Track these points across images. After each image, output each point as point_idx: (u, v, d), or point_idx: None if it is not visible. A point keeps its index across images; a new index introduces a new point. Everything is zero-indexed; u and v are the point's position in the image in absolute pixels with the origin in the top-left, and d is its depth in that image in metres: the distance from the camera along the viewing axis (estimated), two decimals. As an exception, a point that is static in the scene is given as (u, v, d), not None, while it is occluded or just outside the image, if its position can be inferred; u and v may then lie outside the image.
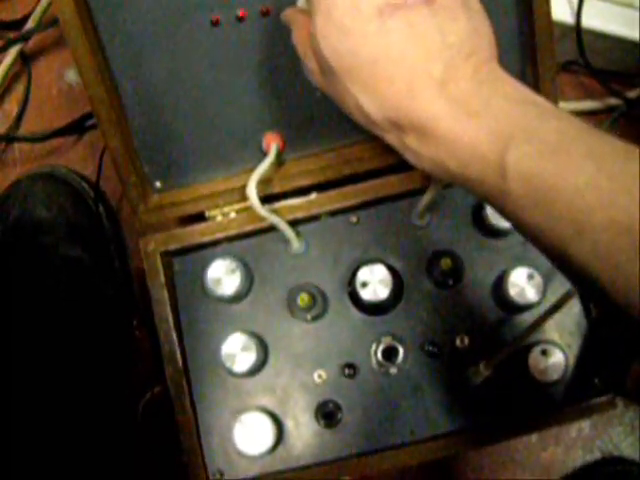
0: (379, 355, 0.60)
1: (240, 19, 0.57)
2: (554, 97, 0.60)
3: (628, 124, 0.74)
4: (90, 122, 0.76)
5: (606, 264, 0.33)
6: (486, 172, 0.38)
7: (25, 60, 0.80)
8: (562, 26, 0.67)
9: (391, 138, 0.43)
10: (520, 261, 0.60)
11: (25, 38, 0.78)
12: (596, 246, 0.33)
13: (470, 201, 0.62)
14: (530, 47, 0.59)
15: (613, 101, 0.73)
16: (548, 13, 0.57)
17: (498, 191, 0.37)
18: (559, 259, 0.37)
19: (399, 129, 0.42)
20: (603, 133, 0.37)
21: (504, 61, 0.58)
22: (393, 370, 0.60)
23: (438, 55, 0.41)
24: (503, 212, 0.39)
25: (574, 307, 0.61)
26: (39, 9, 0.78)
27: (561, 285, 0.60)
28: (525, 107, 0.39)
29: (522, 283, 0.59)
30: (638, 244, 0.32)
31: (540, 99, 0.40)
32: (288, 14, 0.53)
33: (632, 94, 0.72)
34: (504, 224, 0.60)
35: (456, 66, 0.40)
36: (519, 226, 0.38)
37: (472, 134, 0.38)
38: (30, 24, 0.78)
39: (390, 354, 0.60)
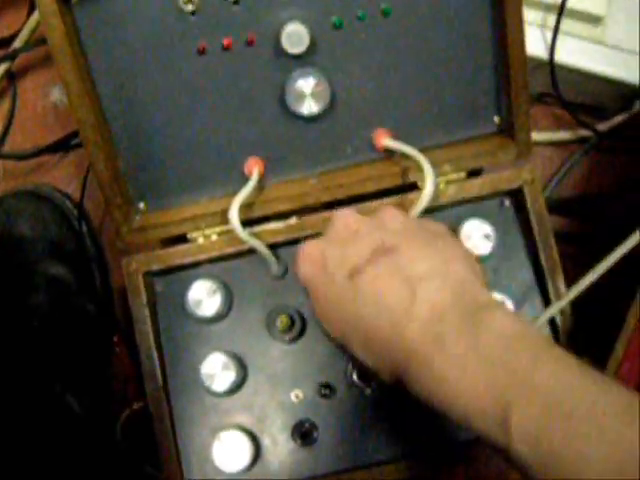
0: (354, 376, 0.61)
1: (225, 48, 0.59)
2: (527, 129, 0.63)
3: (599, 155, 0.76)
4: (75, 141, 0.76)
5: None
6: (489, 428, 0.38)
7: (11, 78, 0.81)
8: (536, 60, 0.69)
9: (393, 381, 0.46)
10: (491, 287, 0.62)
11: (12, 57, 0.79)
12: None
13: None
14: (505, 81, 0.61)
15: (585, 132, 0.75)
16: (522, 50, 0.59)
17: (503, 445, 0.38)
18: None
19: (397, 376, 0.44)
20: (593, 373, 0.38)
21: (480, 95, 0.61)
22: (368, 391, 0.62)
23: (409, 297, 0.43)
24: (508, 461, 0.39)
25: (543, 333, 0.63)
26: (27, 28, 0.79)
27: (531, 312, 0.62)
28: (517, 349, 0.40)
29: (494, 309, 0.61)
30: None
31: (529, 331, 0.41)
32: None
33: (603, 126, 0.74)
34: (476, 251, 0.62)
35: (431, 301, 0.43)
36: (524, 475, 0.38)
37: (468, 385, 0.39)
38: (17, 43, 0.79)
39: (366, 375, 0.62)
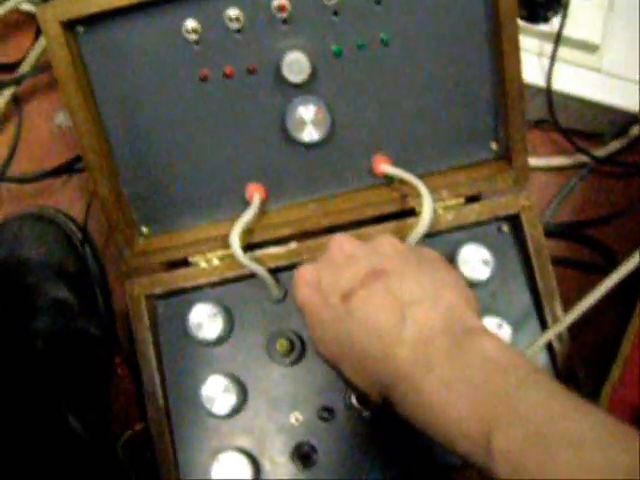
0: (353, 399, 0.62)
1: (227, 76, 0.60)
2: (524, 155, 0.64)
3: (596, 180, 0.77)
4: (79, 165, 0.77)
5: None
6: (473, 450, 0.39)
7: (17, 102, 0.82)
8: (534, 87, 0.70)
9: (381, 402, 0.47)
10: (489, 312, 0.63)
11: (18, 82, 0.80)
12: None
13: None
14: (502, 108, 0.62)
15: (582, 158, 0.76)
16: (519, 78, 0.60)
17: (485, 467, 0.39)
18: None
19: (385, 398, 0.45)
20: (576, 400, 0.39)
21: (478, 121, 0.62)
22: (367, 414, 0.62)
23: (399, 320, 0.44)
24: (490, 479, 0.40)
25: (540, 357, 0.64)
26: (33, 53, 0.80)
27: (529, 336, 0.63)
28: (502, 374, 0.41)
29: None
30: None
31: (515, 357, 0.42)
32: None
33: (599, 152, 0.75)
34: (474, 276, 0.62)
35: (420, 326, 0.44)
36: None
37: (453, 407, 0.40)
38: (24, 68, 0.81)
39: (364, 399, 0.62)
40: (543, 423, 0.38)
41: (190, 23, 0.58)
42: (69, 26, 0.57)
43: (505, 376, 0.40)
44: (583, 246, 0.75)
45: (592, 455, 0.35)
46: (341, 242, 0.52)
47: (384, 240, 0.51)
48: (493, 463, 0.38)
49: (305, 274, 0.51)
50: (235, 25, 0.58)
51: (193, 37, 0.58)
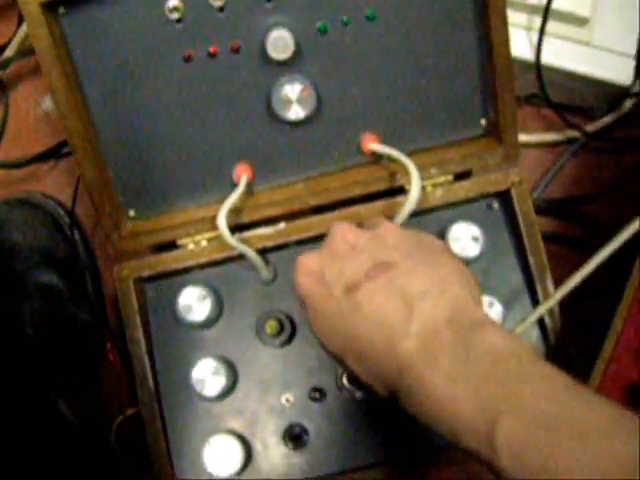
0: (345, 380, 0.62)
1: (212, 55, 0.59)
2: (514, 131, 0.63)
3: (587, 155, 0.76)
4: (66, 149, 0.77)
5: None
6: (477, 444, 0.39)
7: (2, 87, 0.82)
8: (523, 62, 0.69)
9: (387, 396, 0.46)
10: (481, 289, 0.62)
11: (3, 66, 0.79)
12: None
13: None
14: (491, 83, 0.62)
15: (573, 133, 0.75)
16: (507, 52, 0.59)
17: (489, 460, 0.38)
18: None
19: (391, 391, 0.45)
20: (580, 389, 0.38)
21: (467, 98, 0.62)
22: (358, 395, 0.62)
23: (406, 313, 0.44)
24: (496, 476, 0.39)
25: (532, 334, 0.63)
26: (17, 38, 0.79)
27: (520, 314, 0.63)
28: (507, 366, 0.40)
29: (482, 311, 0.61)
30: None
31: (520, 348, 0.41)
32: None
33: (591, 127, 0.75)
34: (465, 253, 0.62)
35: (426, 318, 0.43)
36: None
37: (458, 400, 0.40)
38: (8, 52, 0.80)
39: (356, 379, 0.62)
40: (547, 413, 0.37)
41: (172, 1, 0.57)
42: (50, 7, 0.56)
43: (509, 366, 0.40)
44: (574, 222, 0.74)
45: (597, 444, 0.35)
46: (344, 231, 0.51)
47: (387, 229, 0.50)
48: (496, 454, 0.37)
49: (307, 264, 0.51)
50: (218, 3, 0.57)
51: (175, 15, 0.57)
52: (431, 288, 0.45)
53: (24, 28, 0.79)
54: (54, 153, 0.78)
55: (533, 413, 0.37)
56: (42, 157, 0.78)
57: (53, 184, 0.79)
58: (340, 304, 0.47)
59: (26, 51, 0.79)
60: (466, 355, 0.41)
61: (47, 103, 0.81)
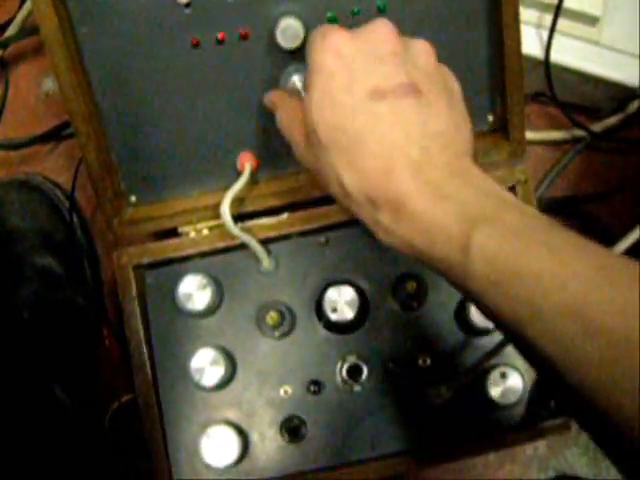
0: (344, 373, 0.62)
1: (220, 41, 0.59)
2: (521, 128, 0.62)
3: (591, 155, 0.76)
4: (67, 131, 0.76)
5: (559, 347, 0.35)
6: (451, 251, 0.40)
7: (3, 66, 0.81)
8: (532, 60, 0.69)
9: (364, 213, 0.45)
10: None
11: (4, 46, 0.78)
12: (550, 329, 0.35)
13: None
14: (500, 80, 0.61)
15: (580, 132, 0.75)
16: (518, 49, 0.59)
17: (462, 270, 0.39)
18: (516, 340, 0.38)
19: (373, 205, 0.44)
20: (557, 225, 0.39)
21: (475, 93, 0.61)
22: (357, 388, 0.62)
23: (417, 141, 0.43)
24: (464, 291, 0.40)
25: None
26: (20, 17, 0.78)
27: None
28: (491, 198, 0.41)
29: (484, 308, 0.61)
30: (587, 328, 0.33)
31: (506, 193, 0.43)
32: (273, 96, 0.56)
33: (596, 127, 0.74)
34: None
35: (431, 153, 0.43)
36: (479, 305, 0.40)
37: (442, 216, 0.41)
38: (10, 31, 0.79)
39: (354, 372, 0.62)
40: (523, 227, 0.39)
41: (181, -15, 0.56)
42: (55, -14, 0.55)
43: (493, 198, 0.41)
44: (578, 221, 0.74)
45: (565, 251, 0.37)
46: (388, 34, 0.47)
47: (422, 51, 0.48)
48: (468, 259, 0.39)
49: (337, 42, 0.46)
50: (228, -12, 0.56)
51: (184, 0, 0.56)
52: (446, 130, 0.45)
53: (26, 7, 0.78)
54: (54, 135, 0.77)
55: (509, 224, 0.39)
56: (42, 139, 0.77)
57: (52, 167, 0.78)
58: (356, 102, 0.45)
59: (28, 31, 0.78)
60: (456, 181, 0.42)
61: (49, 85, 0.81)
